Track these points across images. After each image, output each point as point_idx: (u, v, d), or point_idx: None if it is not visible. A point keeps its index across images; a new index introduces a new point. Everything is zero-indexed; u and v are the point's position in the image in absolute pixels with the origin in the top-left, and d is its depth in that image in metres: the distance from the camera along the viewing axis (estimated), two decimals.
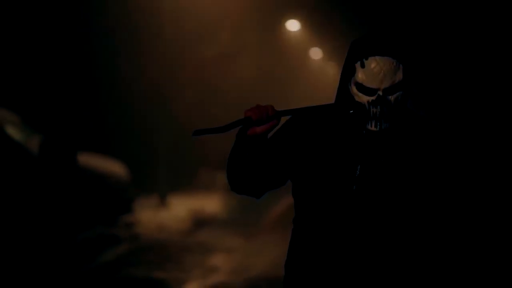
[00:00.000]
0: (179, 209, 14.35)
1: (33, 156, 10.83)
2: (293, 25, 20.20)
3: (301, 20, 20.05)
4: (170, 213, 14.03)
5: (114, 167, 12.63)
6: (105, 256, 10.01)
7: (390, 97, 2.81)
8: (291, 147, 2.91)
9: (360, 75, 2.82)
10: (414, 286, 2.88)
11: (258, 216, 13.25)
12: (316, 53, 23.56)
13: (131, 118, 18.41)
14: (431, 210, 2.89)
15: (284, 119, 2.97)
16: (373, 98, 2.81)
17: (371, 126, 2.83)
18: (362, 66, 2.82)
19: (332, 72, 19.21)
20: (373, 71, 2.80)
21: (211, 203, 15.06)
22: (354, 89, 2.84)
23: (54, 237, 10.42)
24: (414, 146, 2.88)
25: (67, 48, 17.58)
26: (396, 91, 2.81)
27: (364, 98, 2.82)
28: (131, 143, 17.76)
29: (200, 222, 13.26)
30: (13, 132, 11.09)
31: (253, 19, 19.41)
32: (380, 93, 2.80)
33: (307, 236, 2.90)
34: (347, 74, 2.87)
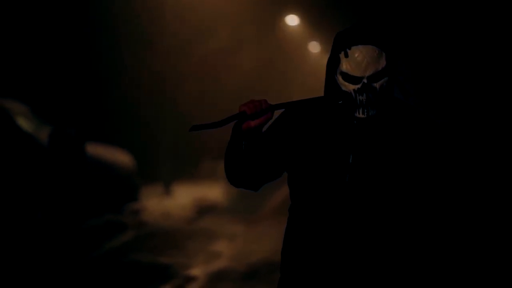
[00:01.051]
0: (183, 197, 14.34)
1: (43, 146, 10.81)
2: (292, 20, 20.19)
3: (300, 15, 20.03)
4: (174, 201, 14.01)
5: (121, 157, 12.59)
6: (112, 242, 10.01)
7: (375, 84, 2.78)
8: (285, 139, 2.90)
9: (345, 65, 2.79)
10: (405, 272, 2.87)
11: (259, 204, 13.25)
12: (314, 47, 23.52)
13: (137, 110, 18.41)
14: (422, 197, 2.87)
15: (278, 113, 2.97)
16: (359, 86, 2.78)
17: (359, 114, 2.80)
18: (346, 56, 2.79)
19: None
20: (357, 60, 2.77)
21: (213, 192, 15.05)
22: (340, 79, 2.82)
23: (64, 224, 10.44)
24: (403, 132, 2.85)
25: (75, 43, 17.57)
26: (381, 78, 2.79)
27: (350, 87, 2.79)
28: (137, 134, 17.77)
29: (203, 209, 13.25)
30: (24, 123, 11.05)
31: (254, 14, 19.39)
32: (365, 80, 2.77)
33: (302, 224, 2.88)
34: (332, 65, 2.85)
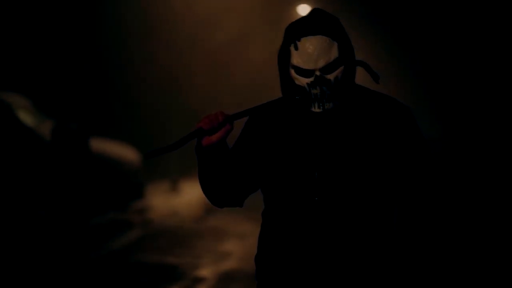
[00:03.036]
0: (191, 194, 14.33)
1: (45, 141, 10.82)
2: (304, 10, 20.13)
3: (312, 4, 19.97)
4: (182, 199, 14.02)
5: (126, 152, 12.62)
6: (116, 241, 10.05)
7: (328, 76, 2.75)
8: (254, 147, 2.89)
9: (295, 58, 2.77)
10: (383, 276, 2.84)
11: None
12: None
13: (143, 104, 18.42)
14: (393, 186, 2.83)
15: (241, 123, 2.97)
16: (311, 79, 2.76)
17: (315, 108, 2.78)
18: (296, 48, 2.76)
19: None
20: (307, 51, 2.74)
21: None
22: (293, 73, 2.79)
23: (67, 222, 10.45)
24: (366, 120, 2.82)
25: (78, 34, 17.58)
26: (334, 68, 2.76)
27: (303, 81, 2.77)
28: (143, 128, 17.78)
29: (211, 207, 13.23)
30: (25, 117, 11.06)
31: (263, 4, 19.36)
32: (318, 73, 2.75)
33: (275, 228, 2.87)
34: (284, 59, 2.82)
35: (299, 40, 2.76)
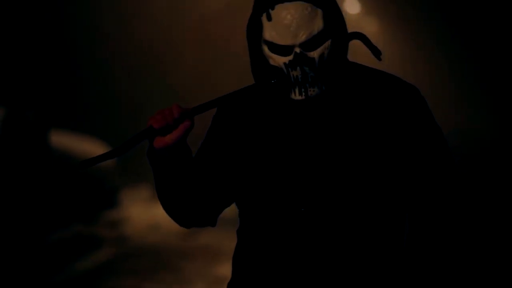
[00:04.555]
0: None
1: None
2: None
3: None
4: None
5: (95, 149, 12.63)
6: (83, 262, 10.19)
7: (311, 53, 2.75)
8: (224, 149, 2.92)
9: (269, 32, 2.76)
10: None
11: None
12: (352, 6, 23.39)
13: (117, 88, 18.49)
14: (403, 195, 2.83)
15: (205, 116, 2.99)
16: (290, 58, 2.75)
17: (295, 95, 2.77)
18: (269, 18, 2.75)
19: (373, 30, 19.21)
20: (283, 23, 2.73)
21: None
22: (266, 51, 2.79)
23: (18, 239, 10.39)
24: (362, 110, 2.81)
25: (38, 2, 17.64)
26: (319, 43, 2.75)
27: (279, 60, 2.76)
28: (117, 119, 17.82)
29: None
30: None
31: None
32: (297, 50, 2.74)
33: (253, 248, 2.88)
34: (255, 32, 2.82)
35: (272, 8, 2.75)
